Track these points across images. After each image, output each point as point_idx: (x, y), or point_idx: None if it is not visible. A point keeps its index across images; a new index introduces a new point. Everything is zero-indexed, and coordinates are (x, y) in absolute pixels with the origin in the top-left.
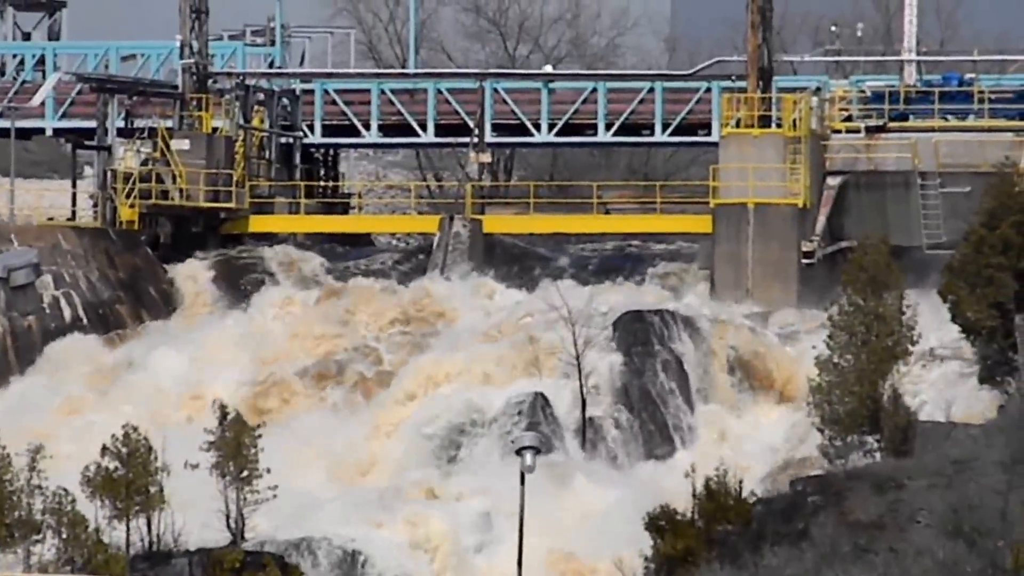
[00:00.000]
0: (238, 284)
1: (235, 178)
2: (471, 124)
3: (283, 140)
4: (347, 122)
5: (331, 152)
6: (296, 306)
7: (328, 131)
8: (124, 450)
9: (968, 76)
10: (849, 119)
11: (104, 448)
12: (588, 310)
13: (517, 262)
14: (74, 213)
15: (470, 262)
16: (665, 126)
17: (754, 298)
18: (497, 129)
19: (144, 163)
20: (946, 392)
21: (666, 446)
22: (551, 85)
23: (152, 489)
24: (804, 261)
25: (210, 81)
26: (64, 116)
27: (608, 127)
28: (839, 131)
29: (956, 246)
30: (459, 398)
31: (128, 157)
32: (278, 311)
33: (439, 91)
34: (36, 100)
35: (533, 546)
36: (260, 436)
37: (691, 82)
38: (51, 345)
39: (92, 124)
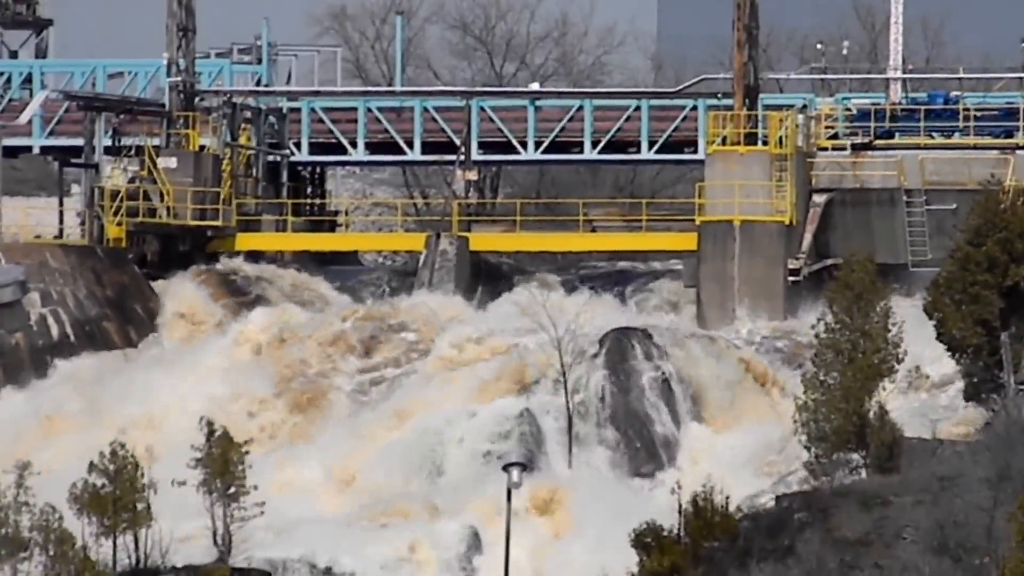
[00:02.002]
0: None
1: (222, 196)
2: (458, 142)
3: (270, 158)
4: (334, 140)
5: (318, 170)
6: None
7: (315, 149)
8: (111, 467)
9: (953, 94)
10: (835, 136)
11: (91, 465)
12: (575, 328)
13: (503, 279)
14: (61, 231)
15: (456, 279)
16: (651, 144)
17: (739, 315)
18: (484, 147)
19: (131, 181)
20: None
21: (652, 463)
22: (538, 103)
23: (139, 506)
24: (790, 278)
25: (197, 99)
26: (51, 134)
27: (594, 145)
28: (825, 148)
29: (942, 263)
30: (446, 414)
31: (115, 175)
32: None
33: (425, 109)
34: (23, 118)
35: (519, 562)
36: (247, 453)
37: (677, 100)
38: (37, 362)
39: (79, 142)
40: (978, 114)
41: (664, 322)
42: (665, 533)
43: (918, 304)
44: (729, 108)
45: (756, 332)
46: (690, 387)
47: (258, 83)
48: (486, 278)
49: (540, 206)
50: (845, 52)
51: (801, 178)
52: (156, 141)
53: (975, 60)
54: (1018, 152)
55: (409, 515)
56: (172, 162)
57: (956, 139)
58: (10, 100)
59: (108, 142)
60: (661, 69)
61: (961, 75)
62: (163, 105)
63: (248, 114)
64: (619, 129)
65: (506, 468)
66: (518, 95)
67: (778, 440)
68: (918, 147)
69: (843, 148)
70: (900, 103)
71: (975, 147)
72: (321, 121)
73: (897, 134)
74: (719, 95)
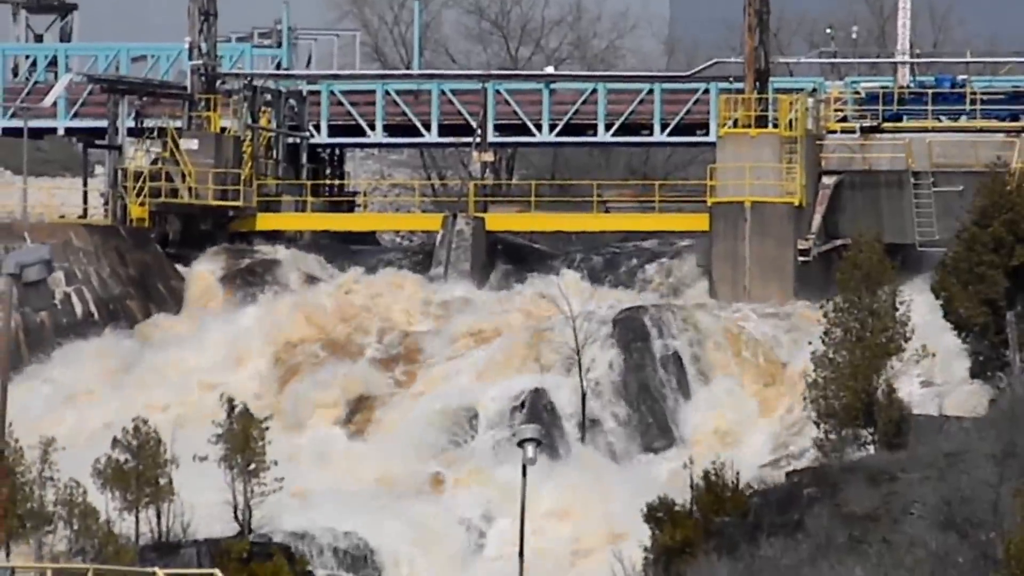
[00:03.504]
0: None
1: (243, 177)
2: (474, 124)
3: (290, 140)
4: (352, 122)
5: (337, 151)
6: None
7: (334, 131)
8: (134, 442)
9: (960, 78)
10: (844, 119)
11: (115, 440)
12: (589, 306)
13: (519, 259)
14: (85, 211)
15: (473, 259)
16: (664, 126)
17: (751, 295)
18: (499, 129)
19: (154, 162)
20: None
21: (664, 439)
22: (552, 86)
23: (161, 481)
24: (800, 258)
25: (218, 82)
26: (76, 116)
27: (608, 127)
28: (834, 131)
29: (949, 244)
30: (462, 392)
31: (138, 156)
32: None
33: (442, 92)
34: (48, 100)
35: (534, 537)
36: (267, 429)
37: (689, 83)
38: (62, 339)
39: (103, 124)
40: (984, 97)
41: (676, 301)
42: (677, 508)
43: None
44: (740, 91)
45: (766, 310)
46: (701, 365)
47: (278, 66)
48: (502, 258)
49: (555, 187)
50: (854, 37)
51: (811, 160)
52: (178, 123)
53: (981, 44)
54: None
55: (426, 489)
56: (194, 144)
57: (963, 122)
58: (35, 83)
59: (131, 124)
60: (673, 53)
61: (968, 59)
62: (185, 88)
63: (268, 97)
64: (632, 112)
65: (521, 444)
66: (533, 78)
67: (788, 418)
68: (926, 130)
69: (852, 131)
70: (908, 87)
71: (981, 130)
72: (340, 104)
73: (905, 117)
74: (730, 79)
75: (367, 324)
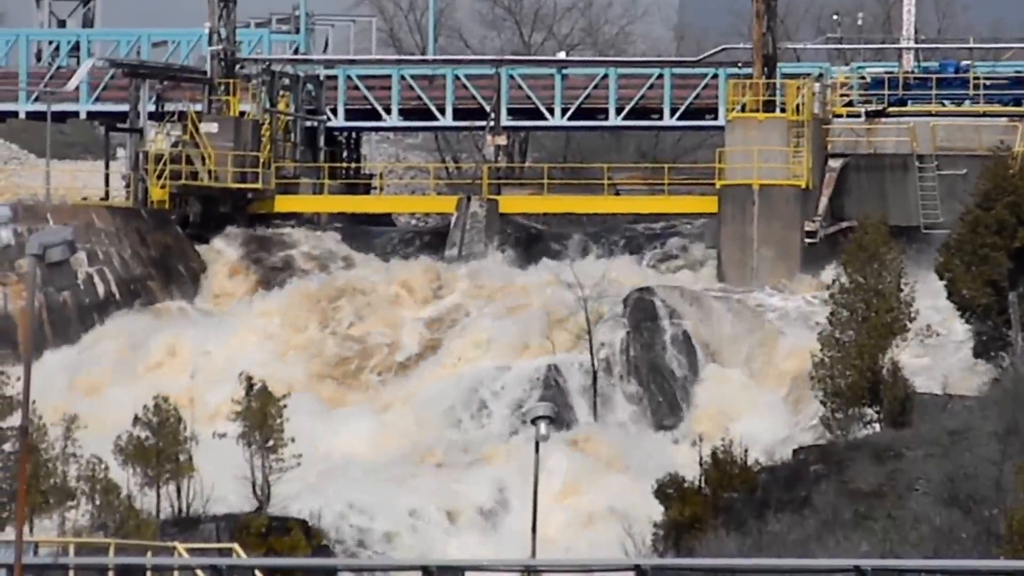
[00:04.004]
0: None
1: (262, 160)
2: (487, 108)
3: (307, 124)
4: (369, 106)
5: (353, 135)
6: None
7: (351, 115)
8: (155, 420)
9: (964, 63)
10: (850, 104)
11: (136, 418)
12: (600, 287)
13: (532, 241)
14: (107, 193)
15: (486, 240)
16: (673, 111)
17: (758, 275)
18: (512, 113)
19: (174, 145)
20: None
21: (674, 417)
22: (564, 71)
23: (182, 457)
24: (807, 240)
25: (237, 67)
26: (98, 100)
27: (619, 111)
28: (840, 115)
29: (952, 226)
30: (477, 370)
31: (159, 139)
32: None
33: (457, 77)
34: (71, 85)
35: (546, 512)
36: (285, 407)
37: (698, 68)
38: (84, 319)
39: (124, 108)
40: (987, 82)
41: (685, 282)
42: (686, 484)
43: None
44: (748, 77)
45: (774, 291)
46: (710, 344)
47: (296, 52)
48: (515, 239)
49: (567, 170)
50: (860, 23)
51: (817, 144)
52: (198, 107)
53: (985, 30)
54: None
55: (442, 465)
56: (213, 127)
57: (966, 107)
58: (58, 67)
59: (152, 108)
60: (683, 39)
61: (971, 45)
62: (205, 72)
63: (286, 81)
64: (642, 96)
65: (534, 421)
66: (546, 64)
67: (795, 396)
68: (930, 114)
69: (858, 115)
70: (912, 72)
71: (985, 114)
72: (357, 88)
73: (910, 102)
74: (739, 64)
75: (385, 305)
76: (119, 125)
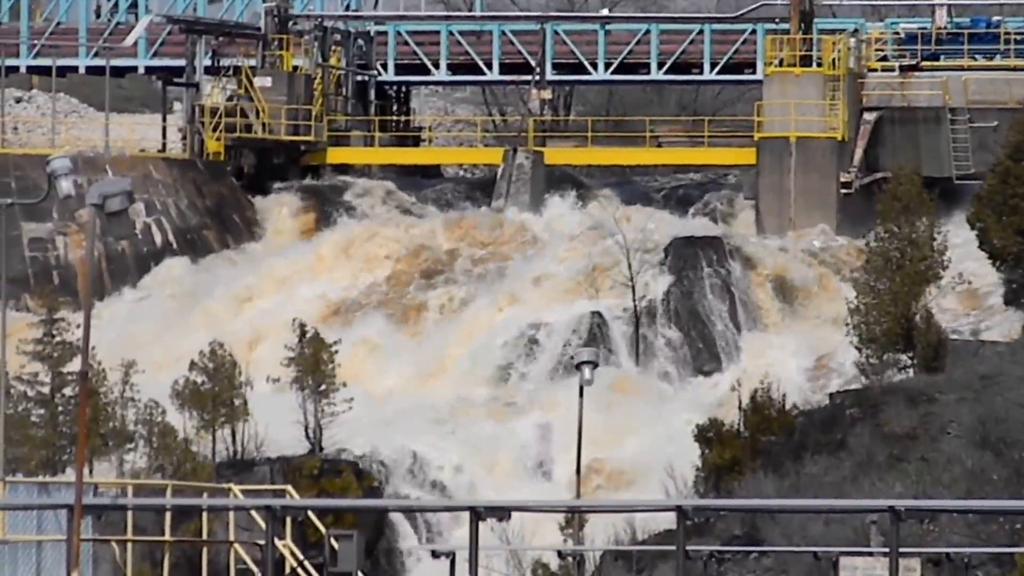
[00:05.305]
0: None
1: (314, 113)
2: (533, 63)
3: (358, 78)
4: (418, 61)
5: (403, 89)
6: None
7: (400, 69)
8: (211, 365)
9: (995, 19)
10: (884, 59)
11: (192, 363)
12: (642, 236)
13: (575, 191)
14: (164, 145)
15: (532, 191)
16: (713, 65)
17: (795, 225)
18: (557, 68)
19: (229, 99)
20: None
21: (713, 362)
22: (607, 27)
23: (236, 401)
24: (842, 191)
25: (291, 23)
26: (155, 55)
27: (660, 66)
28: (875, 70)
29: (984, 177)
30: (522, 316)
31: (214, 93)
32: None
33: (503, 32)
34: (129, 40)
35: (589, 455)
36: (337, 352)
37: (738, 24)
38: (142, 267)
39: (181, 63)
40: (1018, 38)
41: (726, 231)
42: (726, 428)
43: None
44: (786, 32)
45: (811, 240)
46: (748, 292)
47: (347, 8)
48: (560, 189)
49: (609, 123)
50: None
51: (852, 97)
52: (252, 62)
53: None
54: None
55: (489, 410)
56: (267, 81)
57: (997, 61)
58: (117, 24)
59: (208, 63)
60: None
61: (1002, 1)
62: (259, 28)
63: (338, 37)
64: (683, 51)
65: (578, 367)
66: (589, 19)
67: (832, 341)
68: (962, 68)
69: (892, 69)
70: (945, 27)
71: (1015, 68)
72: (406, 43)
73: (942, 56)
74: (776, 20)
75: (436, 251)
76: (176, 80)
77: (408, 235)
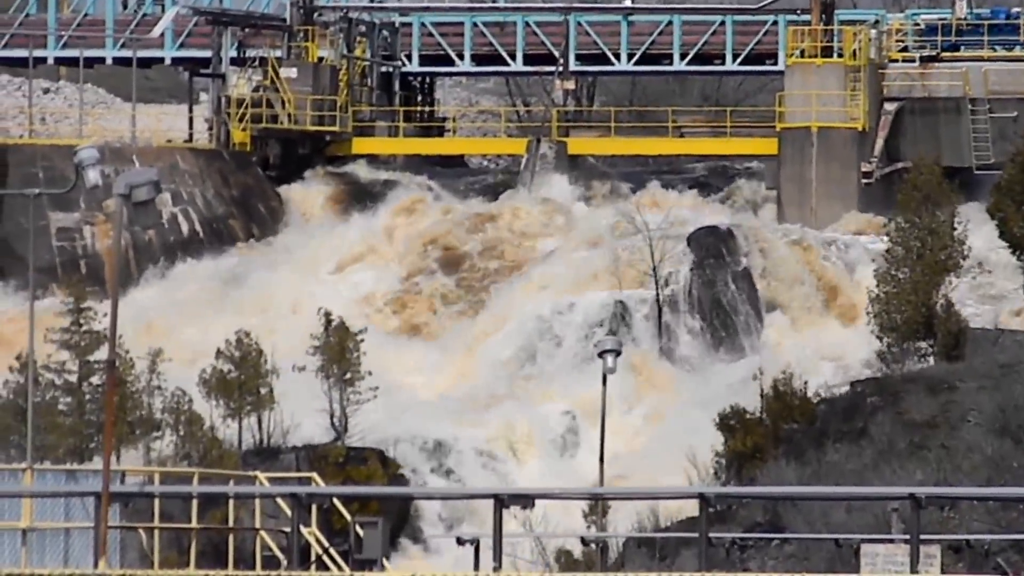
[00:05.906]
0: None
1: (339, 104)
2: (556, 54)
3: (383, 69)
4: (442, 52)
5: (427, 80)
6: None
7: (424, 60)
8: (237, 354)
9: (1015, 10)
10: (905, 49)
11: (219, 352)
12: (665, 225)
13: (598, 181)
14: (191, 136)
15: (555, 181)
16: (735, 56)
17: (817, 215)
18: (580, 58)
19: (255, 90)
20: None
21: (736, 351)
22: (630, 18)
23: (263, 390)
24: (863, 180)
25: (316, 14)
26: (181, 46)
27: (683, 57)
28: (896, 60)
29: (1003, 167)
30: (547, 306)
31: (240, 84)
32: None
33: (527, 23)
34: (156, 31)
35: (612, 442)
36: (362, 340)
37: (759, 15)
38: (169, 256)
39: (207, 54)
40: None
41: (748, 221)
42: (748, 416)
43: None
44: (807, 23)
45: (834, 229)
46: (770, 280)
47: (372, 0)
48: (582, 180)
49: (633, 113)
50: None
51: (873, 88)
52: (278, 53)
53: None
54: None
55: (512, 397)
56: (293, 72)
57: (1017, 51)
58: (144, 15)
59: (234, 54)
60: None
61: None
62: (285, 20)
63: (363, 28)
64: (705, 42)
65: (601, 355)
66: (612, 11)
67: (852, 330)
68: (982, 59)
69: (912, 60)
70: (965, 18)
71: None
72: (430, 35)
73: (962, 47)
74: (798, 11)
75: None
76: (202, 70)
77: (433, 224)
